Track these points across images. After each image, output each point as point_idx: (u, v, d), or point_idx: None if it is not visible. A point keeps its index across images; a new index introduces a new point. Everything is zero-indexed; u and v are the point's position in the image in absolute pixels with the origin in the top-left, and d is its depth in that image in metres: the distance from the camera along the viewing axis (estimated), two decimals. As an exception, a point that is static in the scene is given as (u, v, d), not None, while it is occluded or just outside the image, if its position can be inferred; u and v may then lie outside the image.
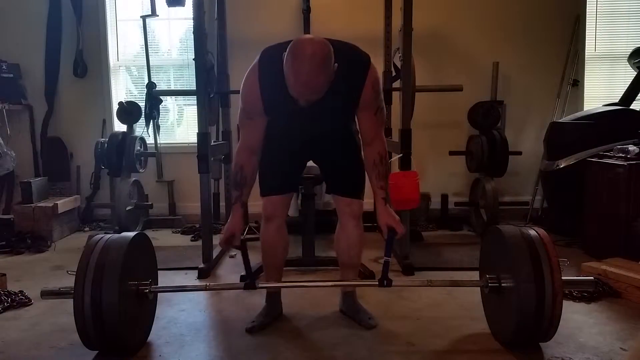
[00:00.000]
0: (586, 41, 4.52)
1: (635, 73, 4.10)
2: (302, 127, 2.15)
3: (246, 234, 2.18)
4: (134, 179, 4.25)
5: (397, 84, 3.70)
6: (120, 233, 2.29)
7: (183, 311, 2.57)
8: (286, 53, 1.82)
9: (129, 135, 4.13)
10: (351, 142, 2.29)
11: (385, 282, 2.11)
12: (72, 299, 1.94)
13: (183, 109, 4.84)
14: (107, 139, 4.14)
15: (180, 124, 4.86)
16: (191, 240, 4.05)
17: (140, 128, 4.33)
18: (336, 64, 1.84)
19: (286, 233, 2.39)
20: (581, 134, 3.75)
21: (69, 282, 2.01)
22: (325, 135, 2.22)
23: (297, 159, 2.38)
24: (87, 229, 4.39)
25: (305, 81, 1.79)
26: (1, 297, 2.65)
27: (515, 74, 4.47)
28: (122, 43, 4.71)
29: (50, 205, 3.98)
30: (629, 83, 4.11)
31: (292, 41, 1.84)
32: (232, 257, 3.53)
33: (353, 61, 1.99)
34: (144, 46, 4.41)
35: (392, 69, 3.90)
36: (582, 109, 4.44)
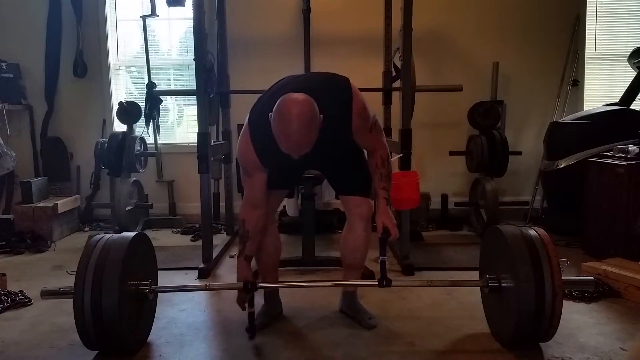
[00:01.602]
0: (586, 41, 4.51)
1: (635, 73, 4.10)
2: (301, 163, 2.16)
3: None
4: (134, 179, 4.25)
5: (397, 84, 3.70)
6: (120, 233, 2.30)
7: (183, 311, 2.57)
8: (273, 114, 1.86)
9: (129, 135, 4.13)
10: (353, 148, 2.28)
11: (384, 282, 2.11)
12: (72, 299, 1.94)
13: (183, 109, 4.84)
14: (107, 139, 4.14)
15: (180, 124, 4.86)
16: (191, 240, 4.06)
17: (140, 128, 4.33)
18: (321, 116, 1.87)
19: (277, 232, 2.42)
20: (581, 134, 3.75)
21: (69, 282, 2.01)
22: (326, 157, 2.23)
23: (297, 169, 2.42)
24: (87, 229, 4.39)
25: (295, 140, 1.84)
26: (1, 297, 2.65)
27: (515, 74, 4.47)
28: (122, 43, 4.71)
29: (50, 205, 3.98)
30: (629, 83, 4.10)
31: (277, 100, 1.86)
32: (232, 257, 3.53)
33: (335, 99, 2.01)
34: (144, 46, 4.41)
35: (392, 69, 3.89)
36: (582, 109, 4.44)
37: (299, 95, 1.88)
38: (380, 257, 2.12)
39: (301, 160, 1.94)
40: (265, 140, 1.96)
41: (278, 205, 2.42)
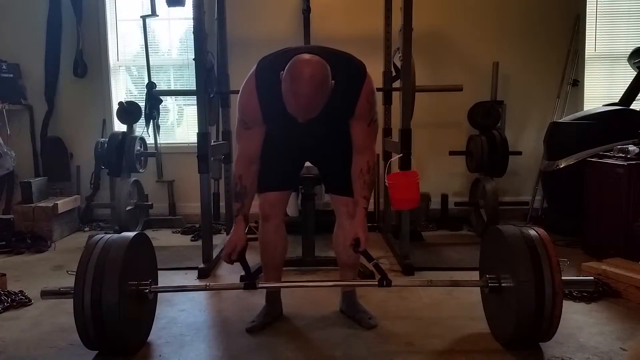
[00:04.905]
0: (586, 41, 4.51)
1: (635, 73, 4.09)
2: (299, 134, 2.16)
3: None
4: (134, 179, 4.25)
5: (397, 84, 3.70)
6: (120, 233, 2.30)
7: (183, 311, 2.57)
8: (284, 73, 1.83)
9: (129, 135, 4.13)
10: (348, 143, 2.28)
11: (384, 282, 2.11)
12: (72, 299, 1.94)
13: (183, 109, 4.84)
14: (107, 139, 4.14)
15: (180, 124, 4.86)
16: (191, 240, 4.06)
17: (140, 128, 4.33)
18: (333, 82, 1.85)
19: (285, 232, 2.39)
20: (581, 134, 3.75)
21: (69, 282, 2.01)
22: (322, 139, 2.23)
23: (295, 159, 2.39)
24: (87, 229, 4.39)
25: (304, 103, 1.82)
26: (1, 297, 2.65)
27: (515, 74, 4.47)
28: (122, 43, 4.71)
29: (50, 205, 3.98)
30: (629, 83, 4.10)
31: (290, 60, 1.84)
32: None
33: (349, 74, 2.01)
34: (144, 46, 4.41)
35: (392, 69, 3.89)
36: (582, 109, 4.44)
37: (312, 57, 1.85)
38: (372, 262, 2.13)
39: (298, 130, 1.89)
40: (271, 94, 1.93)
41: (283, 212, 2.40)
